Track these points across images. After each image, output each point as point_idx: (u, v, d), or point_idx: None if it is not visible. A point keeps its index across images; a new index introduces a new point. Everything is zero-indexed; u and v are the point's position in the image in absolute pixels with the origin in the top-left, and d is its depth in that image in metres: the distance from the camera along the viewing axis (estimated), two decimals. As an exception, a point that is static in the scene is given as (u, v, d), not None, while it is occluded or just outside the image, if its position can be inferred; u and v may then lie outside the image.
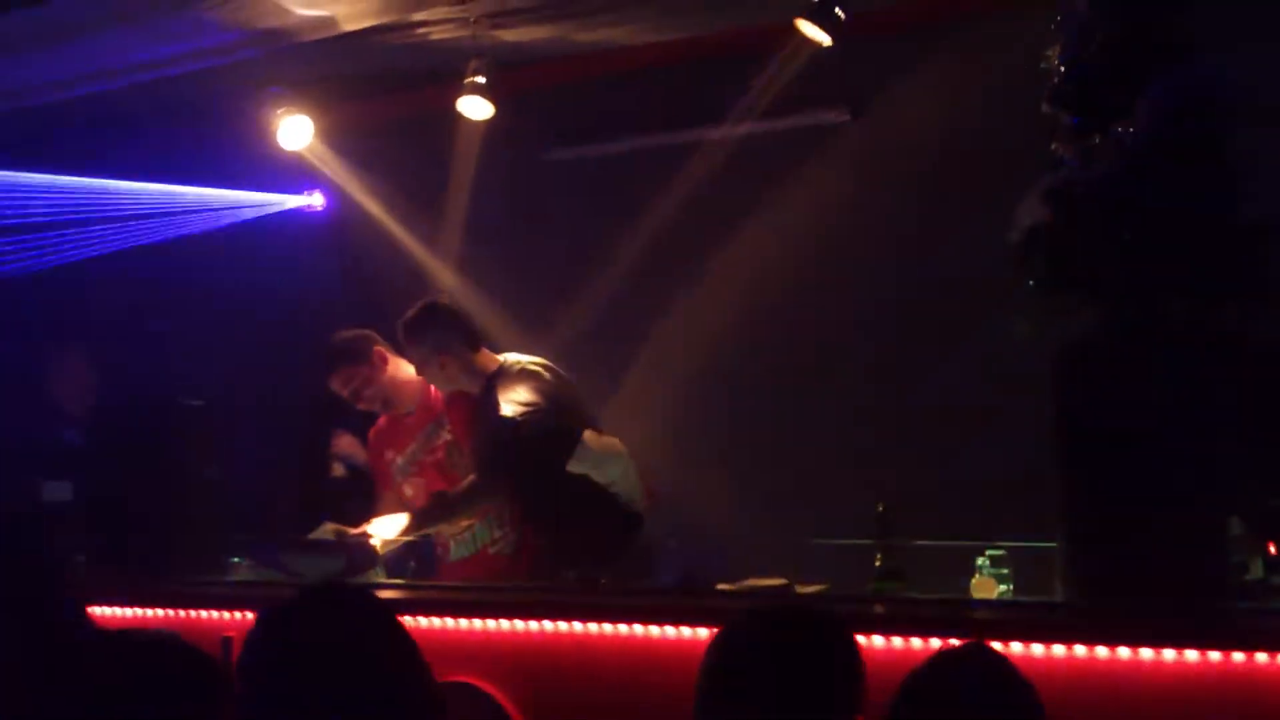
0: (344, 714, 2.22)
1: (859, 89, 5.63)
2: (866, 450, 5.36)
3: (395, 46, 5.79)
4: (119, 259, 7.10)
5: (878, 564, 4.02)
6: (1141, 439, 3.56)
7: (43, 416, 6.62)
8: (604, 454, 5.00)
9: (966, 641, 2.56)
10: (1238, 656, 3.23)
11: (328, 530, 5.07)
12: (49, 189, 6.51)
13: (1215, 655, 3.25)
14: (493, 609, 4.26)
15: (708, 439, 5.75)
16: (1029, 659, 3.35)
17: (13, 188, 6.49)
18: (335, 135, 6.44)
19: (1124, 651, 3.33)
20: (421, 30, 5.67)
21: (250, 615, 2.37)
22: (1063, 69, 3.86)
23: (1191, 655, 3.26)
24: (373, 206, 6.60)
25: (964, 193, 5.24)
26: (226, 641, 4.17)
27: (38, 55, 5.67)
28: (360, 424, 5.66)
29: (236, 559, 5.07)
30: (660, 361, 6.00)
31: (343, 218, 6.84)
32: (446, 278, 6.44)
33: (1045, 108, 3.94)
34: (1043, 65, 3.94)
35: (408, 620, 4.17)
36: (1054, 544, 3.78)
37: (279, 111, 6.11)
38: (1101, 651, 3.36)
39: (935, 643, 3.50)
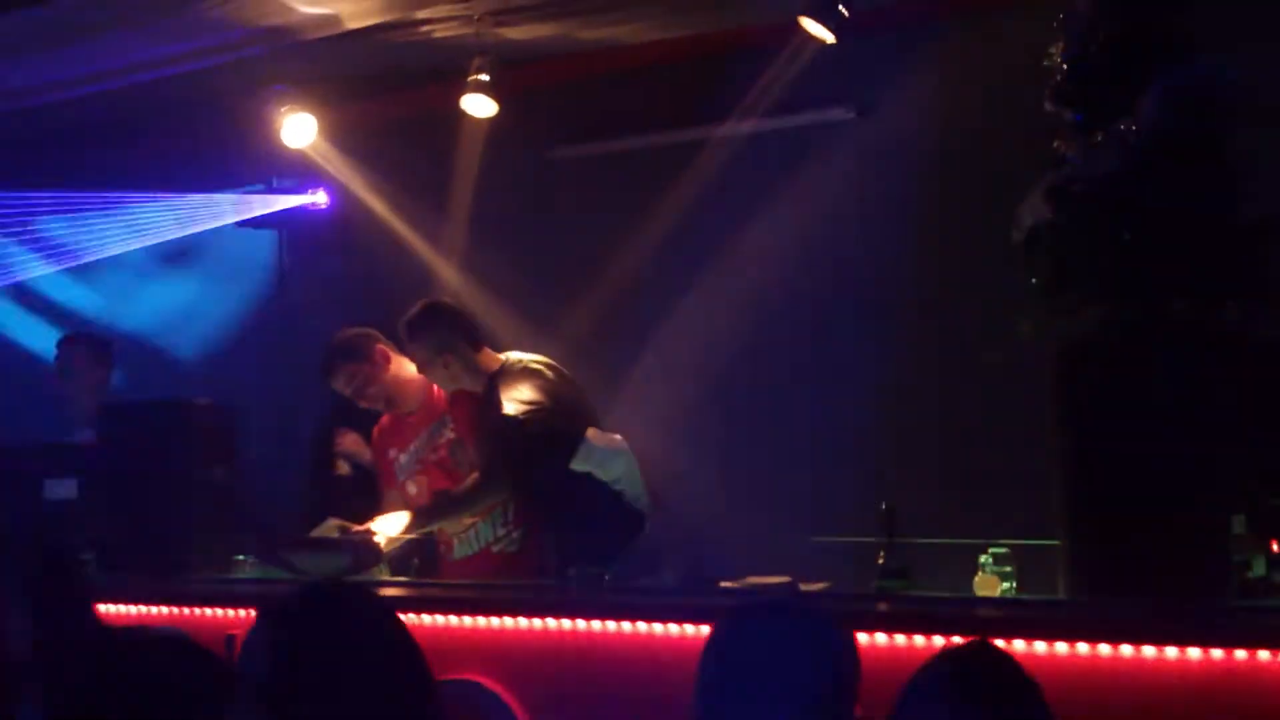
0: (343, 712, 2.23)
1: (864, 87, 5.62)
2: (870, 448, 5.36)
3: (399, 44, 5.80)
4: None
5: (881, 562, 4.03)
6: (1143, 437, 3.57)
7: (51, 414, 6.65)
8: (607, 451, 5.01)
9: (971, 639, 2.56)
10: (1240, 654, 3.22)
11: (332, 528, 5.08)
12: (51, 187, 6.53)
13: (1217, 653, 3.24)
14: (497, 607, 4.27)
15: (712, 436, 5.75)
16: (1032, 657, 3.35)
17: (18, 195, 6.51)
18: (339, 133, 6.44)
19: (1126, 649, 3.33)
20: (425, 28, 5.68)
21: (255, 614, 2.39)
22: (1065, 67, 3.87)
23: (1194, 653, 3.26)
24: (377, 205, 6.61)
25: (968, 191, 5.23)
26: (230, 640, 4.18)
27: (38, 56, 5.69)
28: (365, 422, 5.67)
29: (241, 557, 5.08)
30: (664, 358, 6.00)
31: (347, 216, 6.84)
32: (450, 276, 6.44)
33: (1048, 105, 3.95)
34: (1045, 63, 3.95)
35: (412, 618, 4.24)
36: (1057, 542, 3.79)
37: (283, 109, 6.12)
38: (1104, 649, 3.35)
39: (939, 640, 3.50)
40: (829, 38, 5.14)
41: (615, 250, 6.18)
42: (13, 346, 7.35)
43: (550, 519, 5.07)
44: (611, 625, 4.04)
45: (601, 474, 4.96)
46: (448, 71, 5.82)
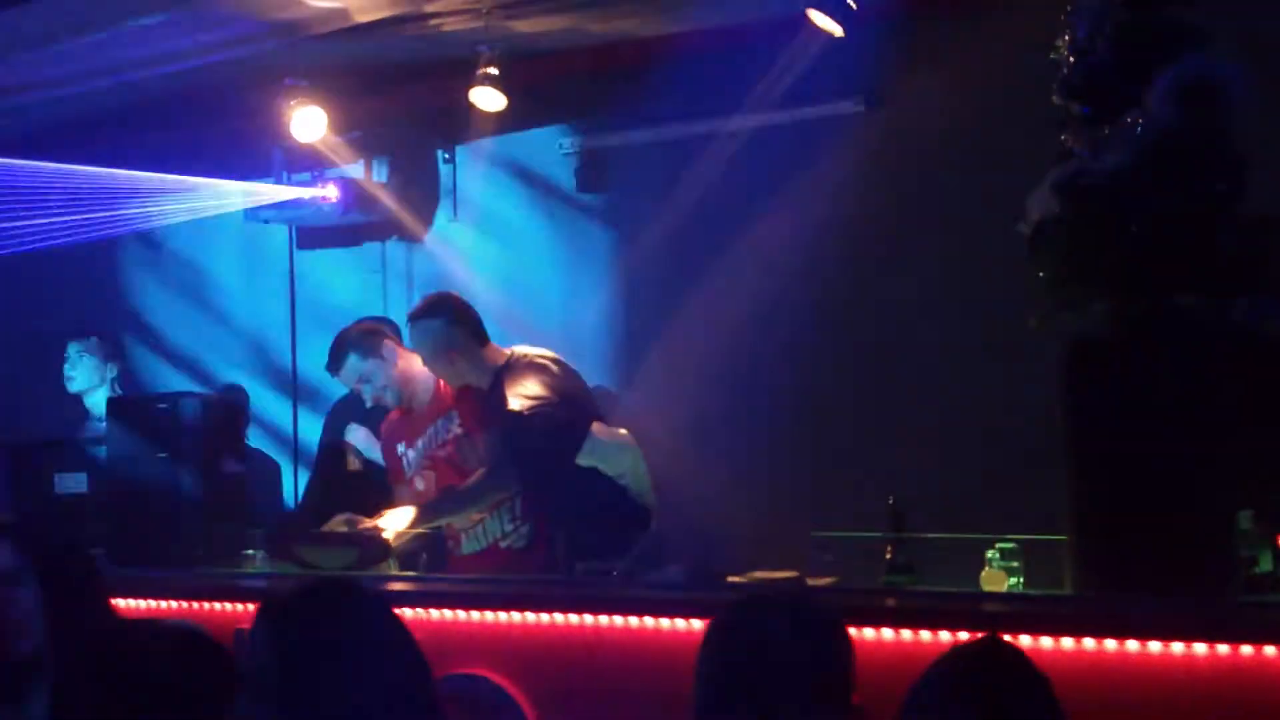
0: (341, 705, 2.24)
1: (875, 80, 5.61)
2: (877, 443, 5.35)
3: (408, 38, 5.80)
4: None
5: (888, 557, 4.03)
6: (1150, 432, 3.56)
7: (61, 408, 6.68)
8: (613, 446, 5.02)
9: (983, 635, 2.56)
10: (1246, 650, 3.22)
11: (341, 523, 5.09)
12: (58, 175, 6.53)
13: (1224, 648, 3.23)
14: (504, 601, 4.27)
15: (718, 430, 5.74)
16: (1038, 652, 3.35)
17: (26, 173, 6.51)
18: (348, 126, 6.44)
19: (1133, 644, 3.32)
20: (434, 21, 5.68)
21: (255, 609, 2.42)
22: (1072, 59, 3.86)
23: (1200, 648, 3.25)
24: (386, 199, 6.61)
25: (976, 185, 5.22)
26: (239, 634, 4.19)
27: (45, 51, 5.70)
28: (374, 417, 5.68)
29: (250, 551, 5.09)
30: (670, 354, 6.00)
31: (358, 209, 6.84)
32: (459, 270, 6.45)
33: (1055, 99, 3.94)
34: (1052, 56, 3.93)
35: (419, 613, 4.25)
36: (1064, 537, 3.78)
37: (293, 103, 6.13)
38: (1110, 645, 3.35)
39: (945, 636, 3.51)
40: (837, 30, 5.12)
41: (622, 244, 6.19)
42: (22, 340, 7.37)
43: (557, 514, 5.07)
44: (618, 620, 4.04)
45: (607, 469, 4.96)
46: (457, 65, 5.82)
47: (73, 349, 6.62)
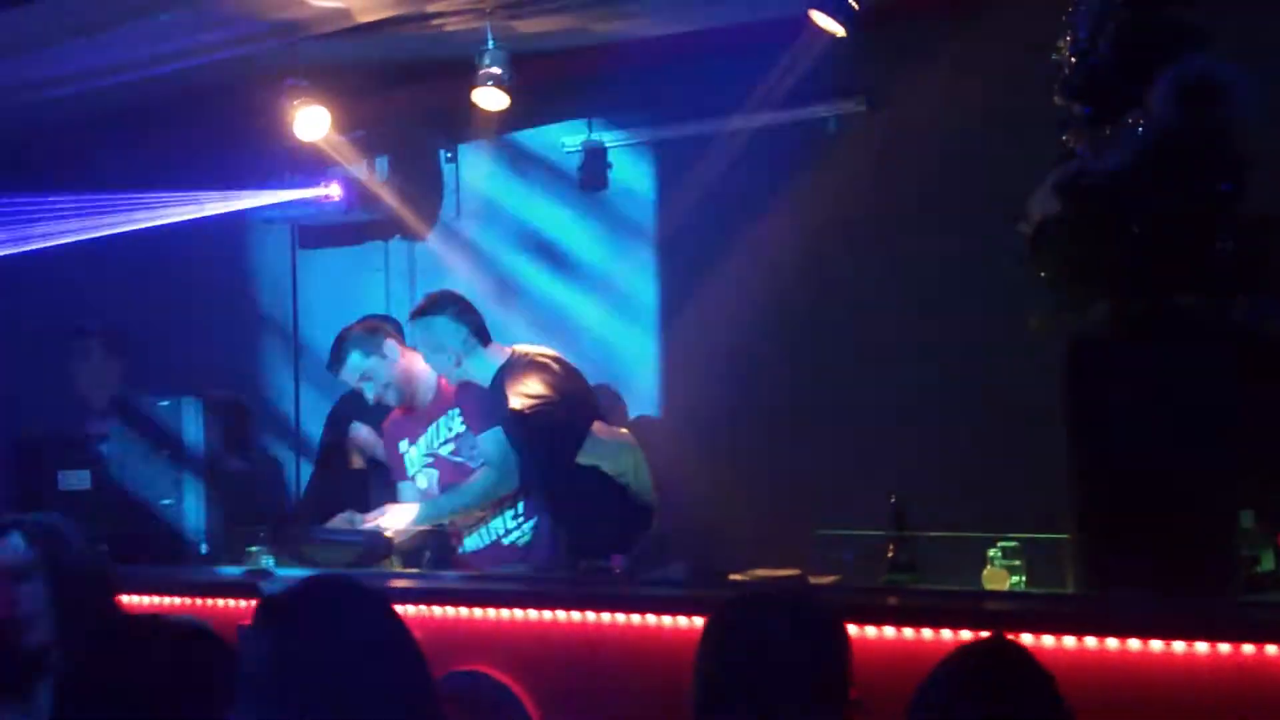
0: (339, 703, 2.25)
1: (877, 80, 5.61)
2: (879, 442, 5.36)
3: (410, 37, 5.80)
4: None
5: (890, 556, 4.04)
6: (1152, 432, 3.57)
7: (66, 405, 6.68)
8: (614, 445, 5.03)
9: (989, 635, 2.57)
10: (1248, 648, 3.23)
11: (344, 520, 5.10)
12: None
13: (1225, 647, 3.25)
14: (506, 599, 4.28)
15: (720, 429, 5.75)
16: (1040, 650, 3.34)
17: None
18: (351, 126, 6.45)
19: (1134, 643, 3.34)
20: (437, 21, 5.68)
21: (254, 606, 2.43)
22: (1073, 60, 3.86)
23: (1201, 647, 3.27)
24: (389, 197, 6.62)
25: (978, 184, 5.23)
26: (242, 630, 4.19)
27: (46, 51, 5.70)
28: (376, 415, 5.69)
29: (254, 548, 5.10)
30: (672, 353, 6.01)
31: (360, 208, 6.85)
32: (461, 269, 6.46)
33: (1057, 99, 3.95)
34: (1053, 56, 3.94)
35: (422, 610, 4.26)
36: (1066, 536, 3.79)
37: (295, 103, 6.13)
38: (1112, 643, 3.36)
39: (947, 634, 3.52)
40: (840, 31, 5.13)
41: (624, 243, 6.19)
42: (25, 338, 7.37)
43: (558, 512, 5.08)
44: (620, 618, 4.06)
45: (608, 468, 4.98)
46: (460, 65, 5.83)
47: (77, 344, 6.62)
